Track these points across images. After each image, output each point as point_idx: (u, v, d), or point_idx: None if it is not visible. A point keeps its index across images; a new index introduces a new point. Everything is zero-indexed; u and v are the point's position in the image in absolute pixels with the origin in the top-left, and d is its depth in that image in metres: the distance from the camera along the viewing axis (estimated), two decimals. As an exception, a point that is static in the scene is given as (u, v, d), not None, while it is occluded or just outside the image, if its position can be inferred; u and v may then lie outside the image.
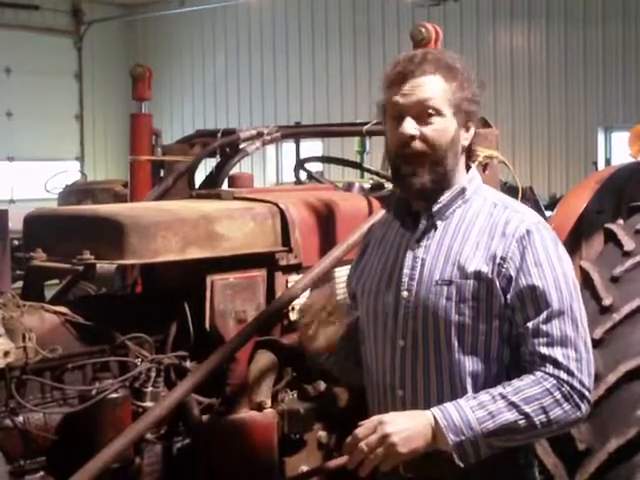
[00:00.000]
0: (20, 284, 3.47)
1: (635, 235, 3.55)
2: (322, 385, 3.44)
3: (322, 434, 3.47)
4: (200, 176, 4.70)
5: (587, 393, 2.19)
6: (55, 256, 3.12)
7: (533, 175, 15.67)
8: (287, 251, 3.48)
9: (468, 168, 2.44)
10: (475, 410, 2.15)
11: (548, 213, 7.36)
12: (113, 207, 3.66)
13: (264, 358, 3.36)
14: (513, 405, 2.14)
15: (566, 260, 2.30)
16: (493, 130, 4.14)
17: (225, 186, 4.34)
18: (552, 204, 10.54)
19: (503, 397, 2.16)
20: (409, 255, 2.37)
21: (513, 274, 2.23)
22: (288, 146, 15.59)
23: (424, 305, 2.30)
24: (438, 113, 2.29)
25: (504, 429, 2.14)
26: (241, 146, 4.54)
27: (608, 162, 15.32)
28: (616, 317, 3.26)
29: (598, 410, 3.14)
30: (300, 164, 5.23)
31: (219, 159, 4.58)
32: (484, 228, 2.31)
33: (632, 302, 3.28)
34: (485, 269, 2.25)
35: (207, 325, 3.23)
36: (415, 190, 2.33)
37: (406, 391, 2.34)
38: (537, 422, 2.15)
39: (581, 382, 2.18)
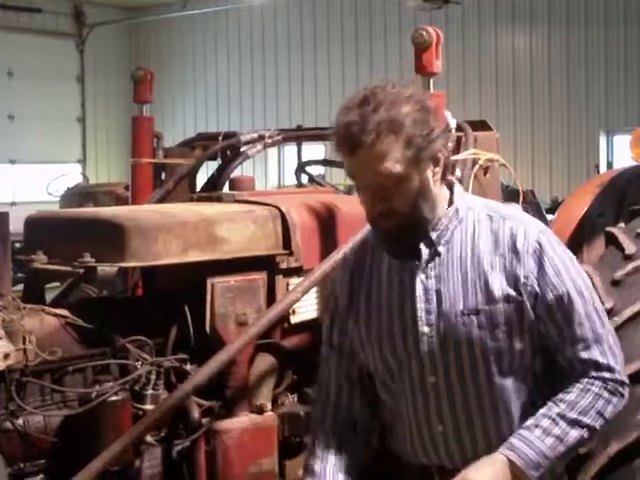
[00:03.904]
0: (21, 287, 3.47)
1: (636, 239, 3.54)
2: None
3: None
4: (201, 179, 4.70)
5: (625, 379, 2.25)
6: (56, 259, 3.12)
7: (535, 178, 15.66)
8: (288, 254, 3.47)
9: (449, 183, 2.33)
10: (543, 439, 2.17)
11: (550, 216, 7.35)
12: (114, 210, 3.66)
13: (264, 361, 3.35)
14: (575, 422, 2.18)
15: (572, 256, 2.31)
16: (494, 133, 4.15)
17: (226, 189, 4.34)
18: (554, 207, 10.52)
19: (562, 417, 2.18)
20: (419, 288, 2.26)
21: (538, 289, 2.21)
22: (290, 149, 15.59)
23: (454, 337, 2.22)
24: (398, 180, 2.15)
25: (574, 446, 2.20)
26: (242, 149, 4.55)
27: (610, 165, 15.31)
28: (617, 320, 3.25)
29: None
30: (301, 167, 5.24)
31: (220, 162, 4.58)
32: (491, 246, 2.25)
33: (633, 306, 3.27)
34: (511, 291, 2.21)
35: (207, 328, 3.23)
36: (393, 237, 2.24)
37: (446, 426, 2.28)
38: (597, 426, 2.20)
39: (619, 372, 2.23)
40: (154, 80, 4.97)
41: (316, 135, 5.98)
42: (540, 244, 2.23)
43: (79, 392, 2.92)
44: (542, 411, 2.20)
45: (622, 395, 2.24)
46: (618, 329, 3.24)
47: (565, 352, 2.23)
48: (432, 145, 2.18)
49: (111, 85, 20.52)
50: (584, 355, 2.22)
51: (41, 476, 2.86)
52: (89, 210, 4.44)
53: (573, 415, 2.18)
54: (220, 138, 4.67)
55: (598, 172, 13.95)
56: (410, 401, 2.31)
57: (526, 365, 2.26)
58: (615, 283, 3.40)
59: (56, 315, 3.02)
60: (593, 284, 3.41)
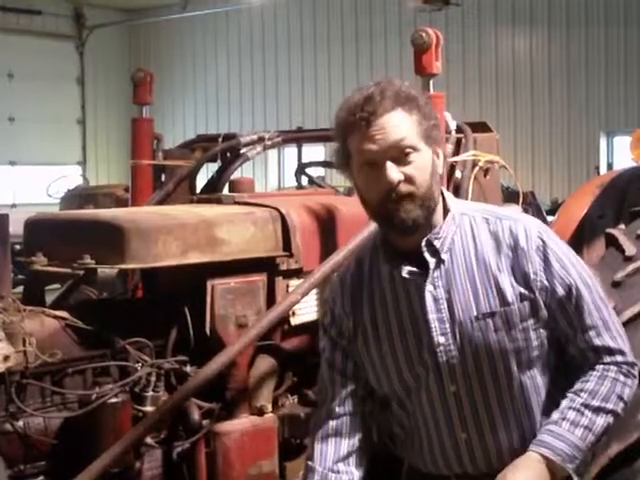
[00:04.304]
0: (21, 288, 3.47)
1: (637, 240, 3.54)
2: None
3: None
4: (201, 181, 4.70)
5: (635, 360, 2.28)
6: (56, 261, 3.12)
7: (535, 179, 15.67)
8: (288, 256, 3.47)
9: None
10: (573, 431, 2.18)
11: (550, 218, 7.35)
12: (114, 212, 3.66)
13: (264, 363, 3.35)
14: (599, 409, 2.20)
15: (568, 247, 2.34)
16: (494, 135, 4.15)
17: (226, 191, 4.34)
18: (554, 209, 10.52)
19: (587, 406, 2.20)
20: (429, 298, 2.24)
21: (547, 284, 2.23)
22: (290, 151, 15.59)
23: (471, 343, 2.21)
24: (414, 149, 2.16)
25: (602, 433, 2.22)
26: (242, 151, 4.55)
27: (610, 166, 15.31)
28: (617, 322, 3.25)
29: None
30: (301, 169, 5.24)
31: (220, 164, 4.58)
32: (493, 247, 2.24)
33: (633, 307, 3.26)
34: (523, 289, 2.21)
35: (207, 330, 3.23)
36: (408, 227, 2.19)
37: (470, 433, 2.27)
38: (620, 410, 2.24)
39: (630, 354, 2.27)
40: (154, 82, 4.96)
41: (316, 137, 5.98)
42: (542, 240, 2.25)
43: (79, 394, 2.92)
44: (565, 403, 2.22)
45: (635, 376, 2.27)
46: (618, 330, 3.24)
47: (577, 342, 2.26)
48: (436, 133, 2.24)
49: (111, 87, 20.53)
50: (597, 342, 2.24)
51: (41, 478, 2.86)
52: (89, 212, 4.45)
53: (596, 403, 2.20)
54: (220, 140, 4.67)
55: (598, 173, 13.95)
56: (429, 413, 2.29)
57: (543, 360, 2.28)
58: (615, 284, 3.39)
59: (56, 317, 3.02)
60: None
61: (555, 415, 2.22)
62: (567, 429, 2.18)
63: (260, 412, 3.30)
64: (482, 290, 2.22)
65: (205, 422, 3.17)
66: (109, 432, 2.87)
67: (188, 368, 3.18)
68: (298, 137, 5.57)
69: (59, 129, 20.03)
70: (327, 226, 3.65)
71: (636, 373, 2.28)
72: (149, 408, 2.99)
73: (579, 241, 4.03)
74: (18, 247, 3.43)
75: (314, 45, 18.99)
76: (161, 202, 4.35)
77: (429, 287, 2.24)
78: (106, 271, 3.08)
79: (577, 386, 2.24)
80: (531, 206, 8.05)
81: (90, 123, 21.04)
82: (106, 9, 21.02)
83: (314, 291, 3.44)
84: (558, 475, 2.17)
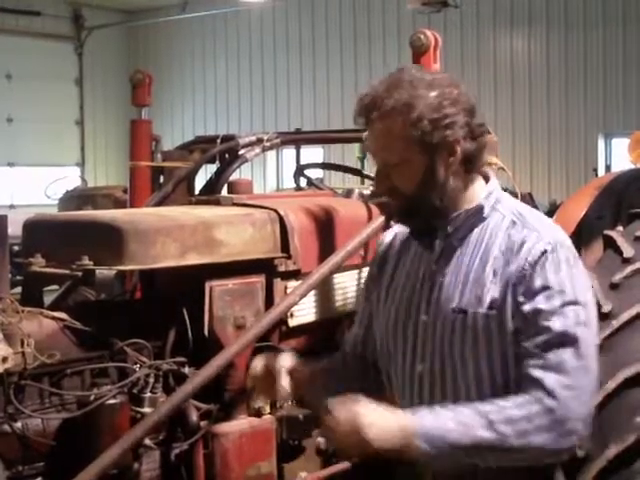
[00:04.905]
0: (19, 289, 3.48)
1: (635, 242, 3.54)
2: (321, 391, 3.44)
3: (321, 440, 3.46)
4: (200, 182, 4.70)
5: (578, 425, 2.08)
6: (54, 262, 3.12)
7: (533, 181, 15.67)
8: (286, 257, 3.48)
9: (487, 179, 2.33)
10: (452, 420, 2.08)
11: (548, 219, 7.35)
12: (112, 213, 3.66)
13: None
14: (492, 424, 2.06)
15: (580, 283, 2.19)
16: (492, 137, 4.14)
17: (224, 192, 4.35)
18: (552, 210, 10.52)
19: (485, 414, 2.07)
20: (428, 278, 2.30)
21: (521, 299, 2.15)
22: (288, 152, 15.59)
23: (440, 332, 2.24)
24: (400, 160, 2.20)
25: (476, 447, 2.06)
26: (241, 152, 4.55)
27: (608, 168, 15.31)
28: (615, 324, 3.25)
29: (597, 417, 3.13)
30: (300, 170, 5.24)
31: (219, 165, 4.58)
32: (502, 251, 2.21)
33: (631, 309, 3.27)
34: (499, 297, 2.17)
35: (206, 331, 3.23)
36: (414, 234, 2.34)
37: None
38: (515, 445, 2.06)
39: (573, 412, 2.07)
40: (153, 83, 4.97)
41: (315, 138, 5.99)
42: (543, 254, 2.16)
43: (77, 395, 2.93)
44: (475, 404, 2.12)
45: (562, 437, 2.06)
46: (616, 332, 3.24)
47: (522, 365, 2.14)
48: (442, 131, 2.18)
49: (110, 88, 20.52)
50: (537, 373, 2.09)
51: (39, 479, 2.86)
52: (87, 213, 4.45)
53: (494, 417, 2.06)
54: (218, 141, 4.67)
55: (596, 175, 13.95)
56: (404, 385, 2.34)
57: (503, 375, 2.20)
58: (613, 286, 3.40)
59: (54, 318, 3.02)
60: (592, 288, 3.43)
61: (456, 406, 2.14)
62: (448, 416, 2.08)
63: (258, 413, 3.31)
64: (469, 286, 2.22)
65: (203, 423, 3.17)
66: (107, 433, 2.87)
67: (186, 369, 3.18)
68: (296, 139, 5.57)
69: (57, 130, 20.02)
70: (325, 228, 3.65)
71: (567, 435, 2.07)
72: (147, 409, 2.99)
73: (577, 243, 4.02)
74: (16, 248, 3.43)
75: (312, 47, 19.00)
76: (159, 203, 4.35)
77: (432, 267, 2.29)
78: (104, 272, 3.08)
79: (499, 399, 2.11)
80: (529, 208, 8.04)
81: (89, 124, 21.03)
82: (105, 10, 21.01)
83: (312, 292, 3.44)
84: (412, 446, 2.06)
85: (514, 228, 2.24)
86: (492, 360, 2.20)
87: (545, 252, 2.16)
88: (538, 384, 2.09)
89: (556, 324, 2.11)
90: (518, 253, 2.19)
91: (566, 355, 2.10)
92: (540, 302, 2.13)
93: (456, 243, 2.27)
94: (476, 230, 2.27)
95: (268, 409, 3.34)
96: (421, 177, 2.21)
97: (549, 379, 2.08)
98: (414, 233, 2.36)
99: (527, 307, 2.14)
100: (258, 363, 2.45)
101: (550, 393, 2.07)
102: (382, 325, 2.40)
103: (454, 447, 2.06)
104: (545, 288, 2.14)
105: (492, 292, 2.18)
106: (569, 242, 2.25)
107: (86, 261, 3.00)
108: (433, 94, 2.18)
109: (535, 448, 2.06)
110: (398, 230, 2.49)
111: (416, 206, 2.24)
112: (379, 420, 2.08)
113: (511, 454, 2.08)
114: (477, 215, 2.27)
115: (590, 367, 2.13)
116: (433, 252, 2.30)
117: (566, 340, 2.11)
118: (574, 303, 2.14)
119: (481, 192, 2.30)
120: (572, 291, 2.15)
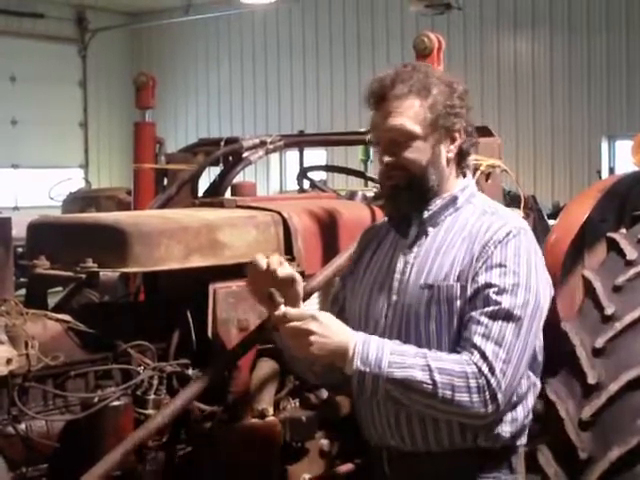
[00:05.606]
0: (23, 291, 3.48)
1: (638, 244, 3.55)
2: (324, 393, 3.44)
3: (324, 442, 3.46)
4: (203, 184, 4.70)
5: (500, 396, 2.21)
6: (58, 264, 3.13)
7: (537, 184, 15.67)
8: (289, 259, 3.47)
9: (465, 175, 2.50)
10: (393, 354, 2.22)
11: (551, 222, 7.34)
12: (116, 215, 3.66)
13: (266, 366, 3.35)
14: (428, 368, 2.20)
15: (538, 272, 2.32)
16: (496, 139, 4.15)
17: (228, 194, 4.35)
18: (555, 213, 10.52)
19: (423, 356, 2.22)
20: (401, 260, 2.44)
21: (479, 270, 2.29)
22: (292, 154, 15.60)
23: (407, 309, 2.37)
24: (411, 137, 2.36)
25: (406, 384, 2.20)
26: (244, 155, 4.55)
27: (612, 171, 15.32)
28: (618, 326, 3.26)
29: (600, 419, 3.14)
30: (303, 173, 5.24)
31: (222, 168, 4.59)
32: (470, 234, 2.36)
33: (634, 311, 3.28)
34: (462, 271, 2.31)
35: (209, 333, 3.23)
36: (392, 220, 2.49)
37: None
38: (440, 394, 2.19)
39: (499, 384, 2.20)
40: (156, 86, 4.98)
41: (318, 141, 6.00)
42: (507, 235, 2.31)
43: (81, 397, 2.92)
44: (422, 349, 2.26)
45: (485, 403, 2.20)
46: (619, 335, 3.25)
47: (466, 330, 2.26)
48: (452, 118, 2.37)
49: (113, 90, 20.56)
50: (478, 340, 2.22)
51: (43, 480, 2.87)
52: (91, 215, 4.45)
53: (431, 363, 2.20)
54: (222, 144, 4.67)
55: (600, 177, 13.96)
56: None
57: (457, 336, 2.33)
58: (616, 289, 3.40)
59: (58, 320, 3.02)
60: (594, 290, 3.44)
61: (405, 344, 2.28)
62: (392, 350, 2.22)
63: (262, 415, 3.30)
64: (437, 264, 2.35)
65: (207, 425, 3.18)
66: (111, 435, 2.87)
67: (190, 371, 3.18)
68: (300, 141, 5.57)
69: (61, 132, 20.07)
70: (329, 230, 3.65)
71: (489, 402, 2.21)
72: (151, 411, 2.99)
73: (580, 245, 4.04)
74: (20, 250, 3.44)
75: (316, 49, 19.02)
76: (163, 206, 4.35)
77: (405, 251, 2.43)
78: (108, 274, 3.08)
79: (442, 352, 2.26)
80: (533, 210, 8.04)
81: (92, 126, 21.07)
82: (109, 13, 21.06)
83: (316, 295, 3.44)
84: (347, 363, 2.22)
85: (484, 216, 2.39)
86: (454, 333, 2.31)
87: (510, 233, 2.31)
88: (479, 350, 2.22)
89: (505, 300, 2.25)
90: (485, 234, 2.33)
91: (507, 331, 2.24)
92: (494, 276, 2.27)
93: (429, 229, 2.42)
94: (449, 218, 2.42)
95: (271, 411, 3.34)
96: (429, 157, 2.37)
97: (488, 348, 2.22)
98: (392, 220, 2.50)
99: (481, 279, 2.28)
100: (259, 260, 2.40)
101: (486, 360, 2.21)
102: (355, 309, 2.50)
103: (385, 377, 2.20)
104: (501, 265, 2.28)
105: (459, 267, 2.32)
106: (533, 235, 2.39)
107: (90, 263, 3.00)
108: (445, 84, 2.39)
109: (459, 405, 2.20)
110: (378, 224, 2.66)
111: (417, 183, 2.38)
112: (326, 330, 2.22)
113: (435, 403, 2.22)
114: (451, 204, 2.43)
115: (525, 350, 2.27)
116: (408, 238, 2.44)
117: (510, 317, 2.24)
118: (526, 288, 2.27)
119: (459, 186, 2.46)
120: (526, 276, 2.28)
